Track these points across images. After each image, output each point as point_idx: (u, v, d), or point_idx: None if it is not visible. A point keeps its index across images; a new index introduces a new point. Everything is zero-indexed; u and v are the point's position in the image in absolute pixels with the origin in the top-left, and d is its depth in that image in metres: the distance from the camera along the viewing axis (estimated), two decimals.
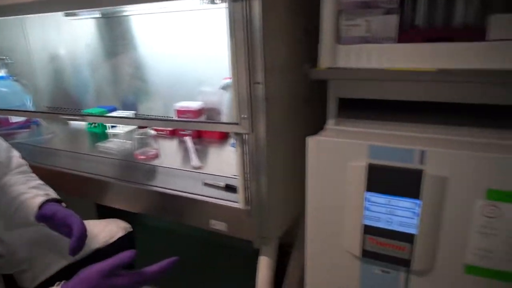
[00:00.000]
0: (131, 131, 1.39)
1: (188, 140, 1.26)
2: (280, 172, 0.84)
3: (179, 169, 1.08)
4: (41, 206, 0.79)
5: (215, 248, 1.52)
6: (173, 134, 1.40)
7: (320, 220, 0.75)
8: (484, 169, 0.59)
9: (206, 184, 0.93)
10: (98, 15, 1.57)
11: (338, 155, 0.69)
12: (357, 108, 0.91)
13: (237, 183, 0.81)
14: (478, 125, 0.72)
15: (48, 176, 1.19)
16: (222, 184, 0.91)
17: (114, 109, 1.56)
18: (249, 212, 0.80)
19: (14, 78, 1.65)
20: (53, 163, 1.20)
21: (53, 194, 0.85)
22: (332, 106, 0.85)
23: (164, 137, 1.39)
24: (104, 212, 1.52)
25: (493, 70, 0.64)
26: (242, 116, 0.73)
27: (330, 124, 0.78)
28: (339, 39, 0.77)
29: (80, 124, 1.62)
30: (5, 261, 0.83)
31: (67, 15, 1.60)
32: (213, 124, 0.80)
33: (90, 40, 1.66)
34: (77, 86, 1.79)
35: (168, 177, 1.05)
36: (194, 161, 1.09)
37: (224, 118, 1.13)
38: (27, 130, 1.65)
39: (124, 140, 1.34)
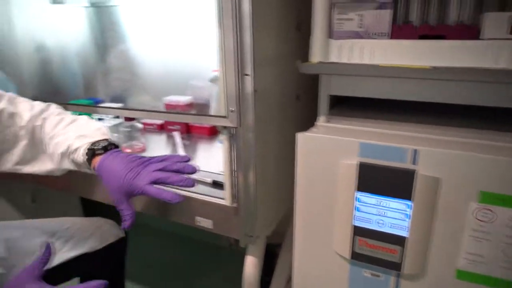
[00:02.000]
0: (117, 125, 1.35)
1: (176, 135, 1.23)
2: (269, 169, 0.81)
3: None
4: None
5: (204, 246, 1.49)
6: (162, 128, 1.37)
7: (309, 220, 0.73)
8: (477, 170, 0.57)
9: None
10: (86, 4, 1.53)
11: (328, 153, 0.67)
12: (350, 106, 0.89)
13: (224, 179, 0.78)
14: (472, 125, 0.70)
15: None
16: (208, 180, 0.88)
17: (100, 102, 1.52)
18: (236, 210, 0.77)
19: None
20: None
21: None
22: (323, 103, 0.83)
23: (152, 131, 1.36)
24: (90, 207, 1.49)
25: (486, 69, 0.62)
26: (230, 109, 0.70)
27: (321, 121, 0.76)
28: (331, 33, 0.75)
29: None
30: None
31: (53, 2, 1.54)
32: (200, 117, 0.78)
33: (78, 31, 1.61)
34: (64, 78, 1.73)
35: None
36: None
37: (213, 112, 1.09)
38: None
39: (111, 133, 1.30)
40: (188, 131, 1.30)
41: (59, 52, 1.70)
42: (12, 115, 0.75)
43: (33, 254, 0.89)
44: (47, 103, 0.82)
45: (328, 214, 0.70)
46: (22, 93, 1.71)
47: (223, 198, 0.79)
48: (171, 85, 1.44)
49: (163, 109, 1.31)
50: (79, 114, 1.45)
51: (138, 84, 1.55)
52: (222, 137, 0.75)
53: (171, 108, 1.29)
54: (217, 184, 0.86)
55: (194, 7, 1.25)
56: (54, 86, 1.77)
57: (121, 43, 1.54)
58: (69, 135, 0.74)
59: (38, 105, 0.80)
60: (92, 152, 0.70)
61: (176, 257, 1.62)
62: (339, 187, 0.67)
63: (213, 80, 1.01)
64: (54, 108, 0.83)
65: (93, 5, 1.53)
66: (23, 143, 0.76)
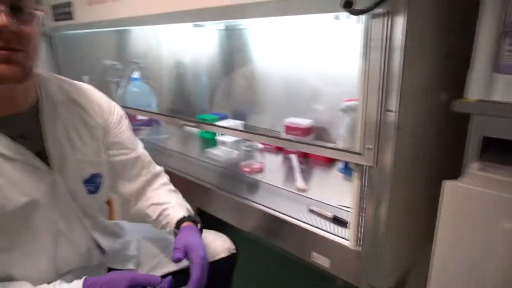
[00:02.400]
0: (239, 141, 1.40)
1: (294, 159, 1.22)
2: (401, 213, 0.72)
3: (282, 189, 1.04)
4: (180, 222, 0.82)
5: (317, 276, 1.42)
6: (279, 149, 1.37)
7: (449, 286, 0.61)
8: None
9: (311, 211, 0.87)
10: (222, 28, 1.65)
11: (485, 211, 0.56)
12: (500, 149, 0.74)
13: (348, 217, 0.72)
14: None
15: None
16: (329, 214, 0.83)
17: (225, 117, 1.61)
18: (359, 254, 0.71)
19: (145, 80, 1.83)
20: (165, 163, 1.27)
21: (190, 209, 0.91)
22: (473, 145, 0.71)
23: (270, 151, 1.37)
24: (206, 219, 1.56)
25: None
26: (367, 146, 0.64)
27: (474, 168, 0.64)
28: (497, 66, 0.64)
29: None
30: (115, 255, 0.88)
31: (195, 26, 1.71)
32: (329, 150, 0.73)
33: (211, 50, 1.76)
34: (195, 92, 1.91)
35: (271, 194, 1.01)
36: (299, 182, 1.04)
37: (341, 143, 1.04)
38: (149, 128, 1.81)
39: (232, 150, 1.35)
40: (305, 155, 1.28)
41: (193, 68, 1.88)
42: (144, 164, 0.90)
43: (156, 256, 0.96)
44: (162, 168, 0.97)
45: (477, 284, 0.58)
46: (161, 104, 1.93)
47: (346, 238, 0.73)
48: (292, 107, 1.45)
49: (283, 130, 1.32)
50: (206, 133, 1.56)
51: (260, 103, 1.61)
52: (353, 174, 0.69)
53: (291, 130, 1.29)
54: (338, 221, 0.81)
55: (325, 31, 1.24)
56: (186, 100, 1.96)
57: (247, 63, 1.62)
58: (171, 198, 0.89)
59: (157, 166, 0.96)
60: (189, 218, 0.82)
61: (284, 282, 1.59)
62: (496, 254, 0.55)
63: (345, 110, 0.97)
64: (165, 175, 0.96)
65: (227, 28, 1.65)
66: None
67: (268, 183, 1.09)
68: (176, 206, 0.85)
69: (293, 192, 1.00)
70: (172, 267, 0.92)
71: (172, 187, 0.95)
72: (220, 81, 1.77)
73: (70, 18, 1.37)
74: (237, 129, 1.26)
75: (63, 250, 0.72)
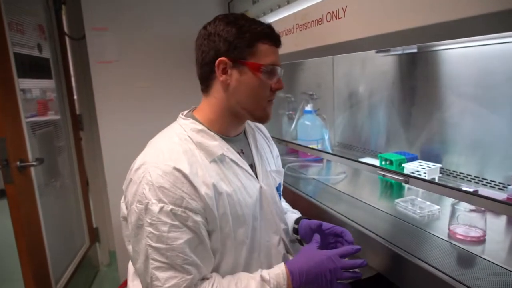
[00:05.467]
0: None
1: None
2: None
3: None
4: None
5: None
6: None
7: None
8: None
9: None
10: (414, 50, 1.36)
11: None
12: None
13: None
14: None
15: (328, 219, 1.06)
16: None
17: (414, 158, 1.29)
18: None
19: (317, 112, 1.69)
20: (337, 209, 1.07)
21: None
22: None
23: (495, 212, 0.94)
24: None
25: None
26: None
27: None
28: None
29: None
30: None
31: (378, 51, 1.47)
32: None
33: (392, 77, 1.48)
34: (371, 125, 1.64)
35: (498, 281, 0.67)
36: None
37: None
38: (320, 164, 1.64)
39: (430, 203, 1.03)
40: None
41: (370, 99, 1.61)
42: None
43: None
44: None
45: None
46: (332, 136, 1.75)
47: None
48: None
49: (501, 179, 0.92)
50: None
51: (459, 141, 1.22)
52: None
53: None
54: None
55: None
56: (359, 132, 1.71)
57: (441, 92, 1.27)
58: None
59: None
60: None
61: None
62: None
63: None
64: None
65: (420, 50, 1.35)
66: None
67: (493, 262, 0.74)
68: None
69: None
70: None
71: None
72: (402, 113, 1.45)
73: None
74: (447, 186, 0.88)
75: (261, 237, 0.84)
